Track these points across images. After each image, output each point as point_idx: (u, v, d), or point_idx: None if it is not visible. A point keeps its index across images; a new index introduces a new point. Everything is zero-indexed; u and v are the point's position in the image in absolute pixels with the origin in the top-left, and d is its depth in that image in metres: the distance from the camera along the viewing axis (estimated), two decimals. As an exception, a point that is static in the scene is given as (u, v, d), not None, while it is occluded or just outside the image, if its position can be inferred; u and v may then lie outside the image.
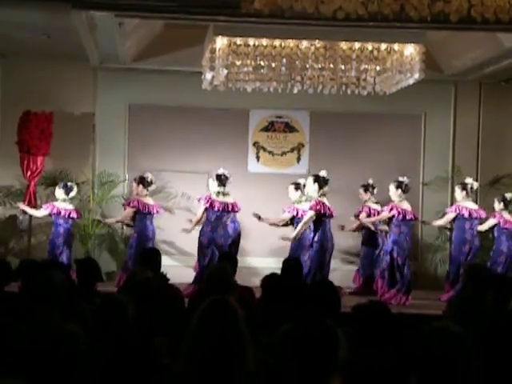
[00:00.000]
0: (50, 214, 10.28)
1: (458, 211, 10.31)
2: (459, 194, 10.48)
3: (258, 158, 11.96)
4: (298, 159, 11.99)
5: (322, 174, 9.99)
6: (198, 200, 10.18)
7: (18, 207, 10.87)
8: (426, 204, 11.66)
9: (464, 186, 10.49)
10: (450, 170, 11.92)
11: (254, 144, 11.95)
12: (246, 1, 5.56)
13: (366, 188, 10.79)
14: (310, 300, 4.56)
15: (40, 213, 10.43)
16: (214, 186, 10.18)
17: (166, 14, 8.37)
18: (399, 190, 10.06)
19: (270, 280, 5.71)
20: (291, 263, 6.86)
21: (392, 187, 10.12)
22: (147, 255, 6.82)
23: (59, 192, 10.36)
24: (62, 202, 10.30)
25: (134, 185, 10.38)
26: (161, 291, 4.50)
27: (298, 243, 9.81)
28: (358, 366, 3.37)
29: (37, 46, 10.19)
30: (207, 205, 10.05)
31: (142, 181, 10.32)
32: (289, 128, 11.99)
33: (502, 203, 10.45)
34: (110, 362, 3.50)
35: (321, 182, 9.89)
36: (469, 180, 10.61)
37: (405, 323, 3.79)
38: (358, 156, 11.81)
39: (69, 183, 10.52)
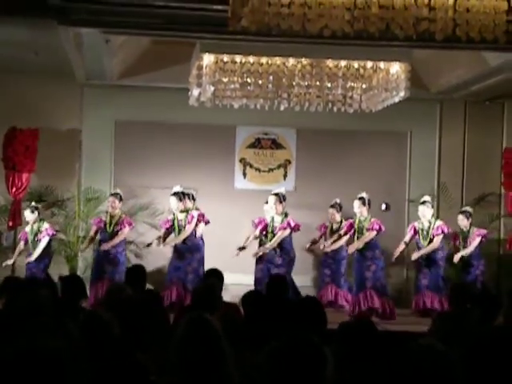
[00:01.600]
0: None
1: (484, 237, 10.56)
2: (465, 221, 10.56)
3: (244, 174, 11.97)
4: (285, 176, 12.01)
5: (283, 190, 10.26)
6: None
7: (2, 223, 10.84)
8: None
9: (469, 215, 10.62)
10: (436, 187, 11.97)
11: (241, 160, 11.97)
12: (233, 18, 5.57)
13: (340, 207, 10.81)
14: (296, 316, 4.55)
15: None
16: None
17: (153, 30, 8.39)
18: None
19: (251, 297, 5.68)
20: (277, 279, 6.85)
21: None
22: (132, 272, 6.79)
23: (31, 215, 10.39)
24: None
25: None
26: (142, 308, 4.47)
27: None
28: (345, 384, 3.36)
29: (23, 62, 10.17)
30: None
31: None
32: (275, 145, 12.01)
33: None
34: (96, 379, 3.47)
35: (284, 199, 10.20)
36: (469, 208, 10.81)
37: (391, 340, 3.79)
38: (345, 173, 11.85)
39: (33, 203, 10.55)
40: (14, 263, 10.56)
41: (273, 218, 10.19)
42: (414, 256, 10.35)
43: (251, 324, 4.57)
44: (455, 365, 2.58)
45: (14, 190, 10.92)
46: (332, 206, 10.77)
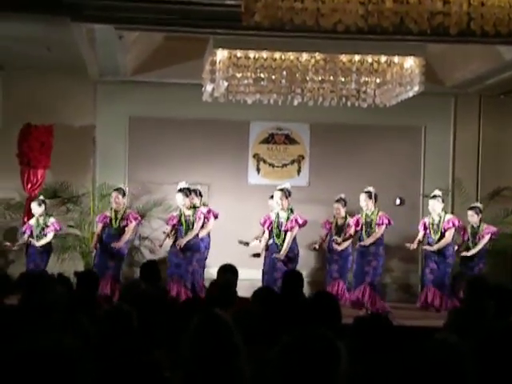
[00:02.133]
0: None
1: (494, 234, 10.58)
2: (475, 217, 10.52)
3: (258, 169, 11.96)
4: (299, 171, 11.99)
5: (288, 186, 10.14)
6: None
7: (18, 219, 10.90)
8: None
9: (479, 211, 10.60)
10: (451, 182, 11.92)
11: (255, 156, 11.96)
12: (247, 14, 5.56)
13: (345, 202, 10.76)
14: (310, 312, 4.55)
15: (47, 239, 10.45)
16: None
17: (166, 26, 8.40)
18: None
19: (262, 294, 5.64)
20: (292, 275, 6.85)
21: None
22: (146, 267, 6.81)
23: (38, 208, 10.43)
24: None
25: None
26: (158, 303, 4.48)
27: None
28: (360, 379, 3.35)
29: (37, 59, 10.21)
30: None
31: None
32: (289, 140, 12.00)
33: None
34: (112, 375, 3.48)
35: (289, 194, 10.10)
36: (479, 204, 10.80)
37: (406, 335, 3.78)
38: (358, 168, 11.81)
39: (41, 197, 10.60)
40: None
41: (278, 214, 10.07)
42: (426, 247, 10.35)
43: (265, 319, 4.57)
44: (469, 359, 2.57)
45: (29, 186, 10.97)
46: (337, 201, 10.70)
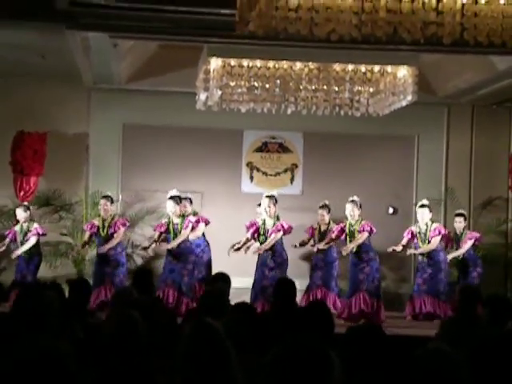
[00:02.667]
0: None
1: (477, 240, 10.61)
2: (462, 224, 10.56)
3: (251, 178, 11.98)
4: (292, 180, 12.01)
5: (275, 194, 10.21)
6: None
7: (10, 227, 10.86)
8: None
9: (465, 218, 10.67)
10: (443, 191, 11.95)
11: (248, 164, 11.97)
12: (241, 22, 5.58)
13: (329, 209, 10.73)
14: (303, 321, 4.54)
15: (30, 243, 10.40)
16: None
17: (160, 35, 8.42)
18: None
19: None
20: (284, 283, 6.83)
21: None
22: (139, 275, 6.79)
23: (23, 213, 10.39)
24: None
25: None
26: (151, 311, 4.47)
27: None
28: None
29: (31, 66, 10.20)
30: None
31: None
32: (282, 149, 12.02)
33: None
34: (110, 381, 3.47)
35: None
36: (464, 211, 10.83)
37: (400, 345, 3.78)
38: (352, 177, 11.83)
39: (25, 203, 10.58)
40: None
41: (264, 221, 10.12)
42: (410, 252, 10.38)
43: (257, 328, 4.57)
44: (463, 369, 2.57)
45: (21, 193, 10.95)
46: (322, 207, 10.65)
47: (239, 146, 11.89)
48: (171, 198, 10.09)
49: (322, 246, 10.42)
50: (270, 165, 12.01)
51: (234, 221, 11.27)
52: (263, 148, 12.00)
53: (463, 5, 5.62)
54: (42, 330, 4.15)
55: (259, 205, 10.42)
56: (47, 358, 2.46)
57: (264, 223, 10.11)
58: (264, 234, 10.07)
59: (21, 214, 10.41)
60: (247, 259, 10.38)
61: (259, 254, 10.06)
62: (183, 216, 10.11)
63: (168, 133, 11.71)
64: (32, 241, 10.30)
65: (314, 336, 2.79)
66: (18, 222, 10.66)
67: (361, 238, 10.07)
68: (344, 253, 10.11)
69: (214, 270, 8.10)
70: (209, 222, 10.51)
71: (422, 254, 10.35)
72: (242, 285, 9.29)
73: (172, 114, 11.56)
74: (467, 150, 12.09)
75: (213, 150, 11.70)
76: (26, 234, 10.34)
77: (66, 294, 6.26)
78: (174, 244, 9.96)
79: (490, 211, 11.68)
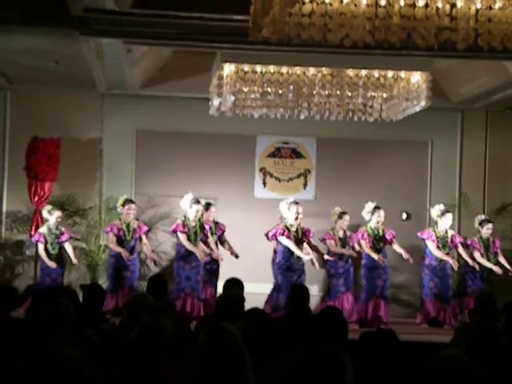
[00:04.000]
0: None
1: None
2: (490, 231, 10.63)
3: (264, 183, 11.97)
4: (305, 185, 11.99)
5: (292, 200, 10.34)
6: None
7: (25, 232, 10.92)
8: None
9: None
10: (457, 197, 11.90)
11: (261, 170, 11.97)
12: (254, 28, 5.59)
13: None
14: (317, 327, 4.54)
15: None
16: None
17: (174, 41, 8.44)
18: None
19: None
20: (298, 289, 6.83)
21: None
22: (154, 281, 6.81)
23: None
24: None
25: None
26: (167, 317, 4.48)
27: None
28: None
29: (45, 72, 10.25)
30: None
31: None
32: (295, 154, 12.01)
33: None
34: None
35: None
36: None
37: (413, 351, 3.77)
38: (365, 182, 11.80)
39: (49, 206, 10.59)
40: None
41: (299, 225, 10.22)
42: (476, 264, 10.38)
43: (273, 333, 4.56)
44: (478, 376, 2.56)
45: (36, 198, 10.99)
46: (344, 213, 10.72)
47: (252, 152, 11.89)
48: (198, 202, 10.13)
49: (354, 253, 10.49)
50: (283, 170, 12.01)
51: (246, 226, 11.27)
52: (276, 153, 11.99)
53: (477, 10, 5.61)
54: (56, 336, 4.16)
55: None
56: (61, 364, 2.47)
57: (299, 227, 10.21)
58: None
59: (50, 216, 10.38)
60: (258, 265, 10.40)
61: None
62: (199, 221, 10.17)
63: (181, 138, 11.73)
64: (70, 244, 10.31)
65: (328, 342, 2.78)
66: (35, 227, 10.67)
67: (396, 246, 10.35)
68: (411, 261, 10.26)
69: (226, 276, 8.11)
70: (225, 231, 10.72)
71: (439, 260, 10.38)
72: (252, 290, 9.28)
73: (185, 120, 11.58)
74: (481, 155, 12.04)
75: (226, 155, 11.71)
76: (57, 236, 10.33)
77: (80, 299, 6.29)
78: (213, 252, 10.14)
79: (505, 217, 11.62)
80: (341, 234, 10.67)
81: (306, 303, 6.49)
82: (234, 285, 6.87)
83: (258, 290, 10.09)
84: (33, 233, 10.70)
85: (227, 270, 10.35)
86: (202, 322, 6.06)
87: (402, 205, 11.61)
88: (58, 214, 10.35)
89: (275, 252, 10.31)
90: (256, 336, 4.06)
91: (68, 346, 2.65)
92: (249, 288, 7.77)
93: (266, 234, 10.24)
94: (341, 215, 10.68)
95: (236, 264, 10.19)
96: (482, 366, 2.64)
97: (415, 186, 11.91)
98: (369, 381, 3.52)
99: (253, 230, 11.07)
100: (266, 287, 10.24)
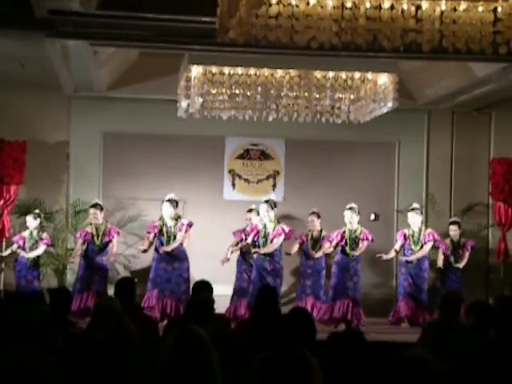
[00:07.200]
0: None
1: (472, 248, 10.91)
2: (458, 231, 10.80)
3: (233, 185, 11.97)
4: (274, 187, 12.01)
5: (273, 197, 10.48)
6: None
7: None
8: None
9: (460, 225, 10.91)
10: (424, 197, 12.00)
11: (230, 171, 11.97)
12: (222, 30, 5.59)
13: (318, 215, 10.80)
14: (285, 328, 4.54)
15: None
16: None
17: (141, 42, 8.40)
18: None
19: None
20: (265, 290, 6.82)
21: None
22: (122, 284, 6.75)
23: (33, 221, 10.41)
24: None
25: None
26: (133, 320, 4.45)
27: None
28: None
29: (11, 74, 10.15)
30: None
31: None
32: (264, 156, 12.02)
33: None
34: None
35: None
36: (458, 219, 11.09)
37: (381, 351, 3.79)
38: (333, 183, 11.86)
39: (36, 210, 10.62)
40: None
41: (265, 225, 10.21)
42: (403, 258, 10.44)
43: (240, 336, 4.57)
44: (444, 376, 2.58)
45: (1, 202, 10.88)
46: (311, 214, 10.75)
47: (221, 154, 11.88)
48: (169, 200, 10.14)
49: (319, 254, 10.49)
50: (251, 172, 12.01)
51: (215, 228, 11.26)
52: (245, 155, 12.00)
53: (442, 12, 5.67)
54: (24, 341, 4.11)
55: (249, 211, 10.60)
56: (29, 371, 2.44)
57: (265, 227, 10.21)
58: (265, 237, 10.15)
59: (31, 221, 10.41)
60: (226, 267, 10.39)
61: (255, 258, 10.13)
62: (176, 219, 10.15)
63: (149, 140, 11.68)
64: (41, 249, 10.36)
65: (296, 343, 2.78)
66: (1, 232, 10.63)
67: (364, 246, 10.33)
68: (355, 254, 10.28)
69: (195, 278, 8.11)
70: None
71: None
72: (223, 292, 9.28)
73: (153, 122, 11.53)
74: (448, 155, 12.15)
75: (194, 157, 11.68)
76: (36, 241, 10.32)
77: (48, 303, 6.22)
78: (172, 246, 10.03)
79: (471, 217, 11.74)
80: (315, 234, 10.70)
81: (275, 304, 6.49)
82: (203, 287, 6.85)
83: (226, 292, 10.09)
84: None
85: (195, 271, 10.35)
86: (171, 325, 6.04)
87: (369, 205, 11.67)
88: (30, 221, 10.42)
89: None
90: (225, 338, 4.06)
91: (34, 351, 2.62)
92: (217, 290, 7.76)
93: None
94: (308, 216, 10.75)
95: (204, 265, 10.18)
96: (447, 365, 2.66)
97: (383, 186, 11.99)
98: (337, 381, 3.53)
99: (222, 231, 11.06)
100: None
